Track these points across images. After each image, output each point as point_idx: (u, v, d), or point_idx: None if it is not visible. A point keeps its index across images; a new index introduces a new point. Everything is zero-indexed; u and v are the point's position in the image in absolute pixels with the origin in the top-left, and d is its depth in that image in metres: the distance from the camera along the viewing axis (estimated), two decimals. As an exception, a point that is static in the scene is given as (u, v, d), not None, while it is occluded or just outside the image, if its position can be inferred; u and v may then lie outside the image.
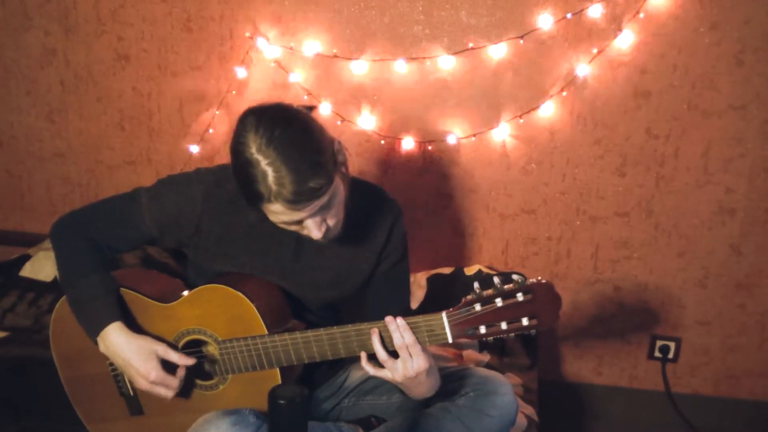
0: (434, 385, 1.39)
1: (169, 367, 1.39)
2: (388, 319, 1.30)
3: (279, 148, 1.19)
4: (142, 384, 1.38)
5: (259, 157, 1.19)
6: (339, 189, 1.30)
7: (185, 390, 1.43)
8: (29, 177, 2.57)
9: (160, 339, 1.41)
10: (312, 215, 1.26)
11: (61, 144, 2.51)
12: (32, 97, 2.48)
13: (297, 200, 1.21)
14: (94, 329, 1.38)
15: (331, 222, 1.31)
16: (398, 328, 1.29)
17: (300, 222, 1.28)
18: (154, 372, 1.36)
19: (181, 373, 1.39)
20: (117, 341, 1.36)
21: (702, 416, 2.38)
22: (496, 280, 1.26)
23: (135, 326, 1.43)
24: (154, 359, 1.37)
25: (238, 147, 1.22)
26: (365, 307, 1.55)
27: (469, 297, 1.27)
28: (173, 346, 1.41)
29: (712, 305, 2.31)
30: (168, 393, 1.38)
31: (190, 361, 1.39)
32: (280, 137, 1.20)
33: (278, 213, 1.24)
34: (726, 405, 2.38)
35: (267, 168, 1.19)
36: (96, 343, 1.39)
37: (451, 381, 1.49)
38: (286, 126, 1.23)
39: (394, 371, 1.30)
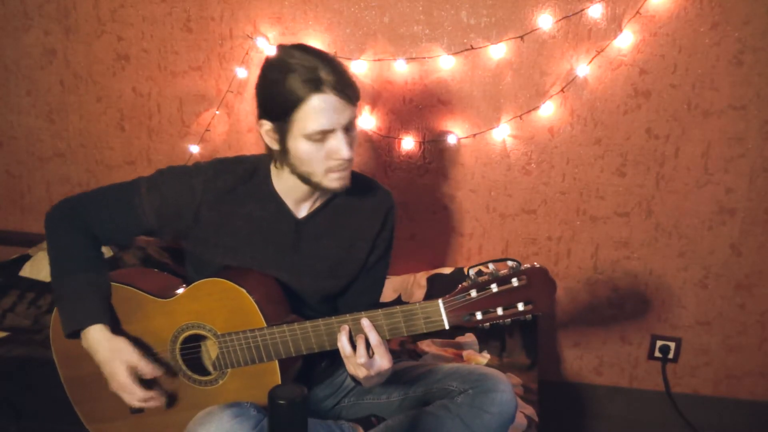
0: (381, 381, 1.41)
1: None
2: (364, 322, 1.32)
3: (324, 55, 1.33)
4: (113, 385, 1.41)
5: (307, 57, 1.30)
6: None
7: (170, 398, 1.45)
8: (29, 177, 2.57)
9: (157, 335, 1.43)
10: (345, 127, 1.33)
11: (61, 144, 2.51)
12: (32, 97, 2.48)
13: (344, 90, 1.29)
14: (73, 324, 1.40)
15: (353, 148, 1.36)
16: (364, 328, 1.31)
17: (331, 134, 1.32)
18: (121, 377, 1.39)
19: (151, 394, 1.41)
20: (96, 342, 1.39)
21: (702, 416, 2.38)
22: (491, 266, 1.27)
23: (133, 322, 1.45)
24: (123, 365, 1.39)
25: (280, 59, 1.32)
26: (339, 298, 1.57)
27: (465, 283, 1.28)
28: (152, 353, 1.44)
29: (712, 305, 2.31)
30: (130, 400, 1.41)
31: (157, 372, 1.41)
32: (324, 52, 1.34)
33: (320, 109, 1.29)
34: (726, 405, 2.38)
35: (316, 63, 1.29)
36: (69, 337, 1.41)
37: (450, 379, 1.50)
38: (323, 50, 1.36)
39: (357, 367, 1.33)
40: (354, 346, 1.32)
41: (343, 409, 1.61)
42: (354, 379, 1.39)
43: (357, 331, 1.33)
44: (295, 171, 1.39)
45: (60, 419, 1.57)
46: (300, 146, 1.33)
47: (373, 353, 1.32)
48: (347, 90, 1.30)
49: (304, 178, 1.39)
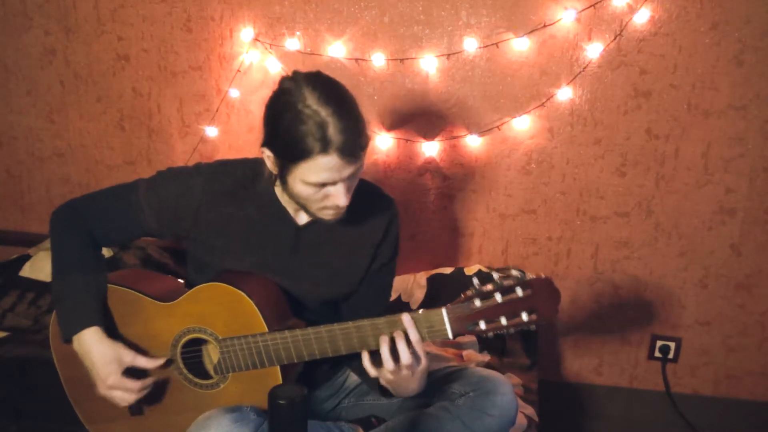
0: (421, 385, 1.38)
1: (139, 375, 1.40)
2: (404, 317, 1.28)
3: (337, 104, 1.26)
4: (101, 387, 1.39)
5: (319, 109, 1.24)
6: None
7: (156, 395, 1.45)
8: (29, 177, 2.57)
9: (158, 338, 1.42)
10: (347, 179, 1.30)
11: (61, 144, 2.51)
12: (32, 97, 2.48)
13: (351, 152, 1.25)
14: (68, 328, 1.39)
15: (351, 194, 1.34)
16: (405, 324, 1.28)
17: (331, 185, 1.29)
18: (112, 377, 1.37)
19: (147, 382, 1.40)
20: (89, 344, 1.38)
21: (702, 416, 2.38)
22: (495, 275, 1.26)
23: (134, 325, 1.44)
24: (116, 365, 1.37)
25: (291, 100, 1.26)
26: (343, 304, 1.56)
27: (468, 292, 1.27)
28: (146, 353, 1.43)
29: (712, 305, 2.31)
30: (127, 397, 1.39)
31: (158, 363, 1.40)
32: (337, 95, 1.28)
33: (324, 169, 1.26)
34: (726, 405, 2.38)
35: (327, 118, 1.24)
36: (67, 341, 1.40)
37: (450, 381, 1.49)
38: (339, 87, 1.31)
39: (397, 372, 1.30)
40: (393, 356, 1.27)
41: (343, 410, 1.61)
42: (384, 392, 1.36)
43: (362, 341, 1.31)
44: (291, 198, 1.38)
45: (60, 419, 1.57)
46: (298, 186, 1.32)
47: (413, 352, 1.29)
48: (354, 150, 1.26)
49: (300, 205, 1.39)
